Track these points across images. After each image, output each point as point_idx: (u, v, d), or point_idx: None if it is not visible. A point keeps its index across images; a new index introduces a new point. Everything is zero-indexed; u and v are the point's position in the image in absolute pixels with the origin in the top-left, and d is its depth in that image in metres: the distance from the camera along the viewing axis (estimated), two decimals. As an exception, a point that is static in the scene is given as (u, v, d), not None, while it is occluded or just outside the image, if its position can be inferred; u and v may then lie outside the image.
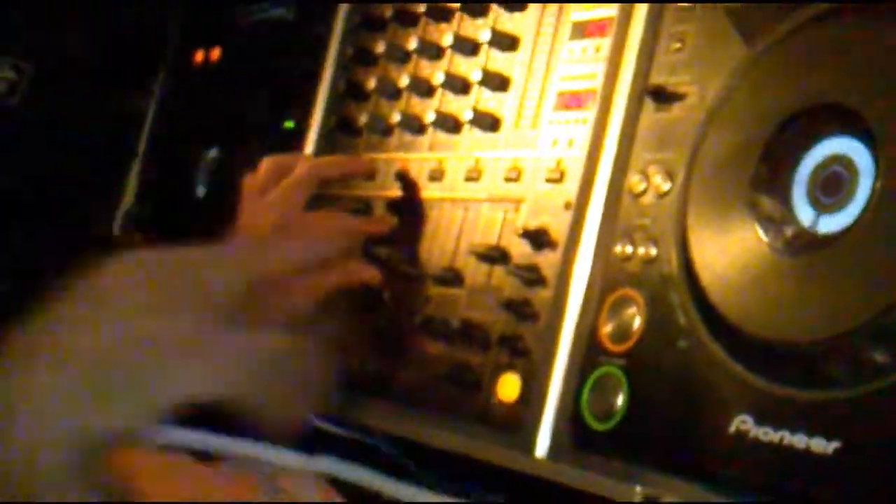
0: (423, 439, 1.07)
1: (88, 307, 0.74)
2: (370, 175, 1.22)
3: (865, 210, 0.82)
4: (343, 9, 1.34)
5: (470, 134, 1.15)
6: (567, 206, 1.03)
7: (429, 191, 1.17)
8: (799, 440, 0.82)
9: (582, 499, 0.94)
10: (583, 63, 1.06)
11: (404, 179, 1.19)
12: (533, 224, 1.05)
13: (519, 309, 1.03)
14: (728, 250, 0.89)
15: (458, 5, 1.18)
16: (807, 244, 0.86)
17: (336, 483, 0.88)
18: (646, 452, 0.91)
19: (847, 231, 0.83)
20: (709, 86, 0.95)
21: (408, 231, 1.17)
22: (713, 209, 0.91)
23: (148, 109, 1.62)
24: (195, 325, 0.74)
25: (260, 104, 1.43)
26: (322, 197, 1.21)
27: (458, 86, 1.16)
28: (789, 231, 0.88)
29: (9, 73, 1.58)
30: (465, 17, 1.18)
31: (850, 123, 0.85)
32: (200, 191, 1.49)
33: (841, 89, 0.86)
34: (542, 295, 1.02)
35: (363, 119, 1.26)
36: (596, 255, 0.99)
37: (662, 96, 0.98)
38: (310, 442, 0.94)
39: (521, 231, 1.04)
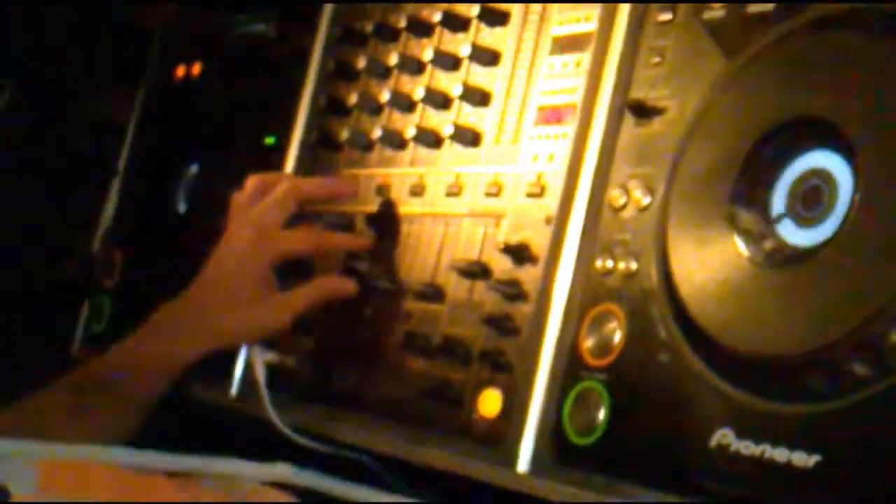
0: (404, 455, 1.07)
1: None
2: (354, 196, 1.22)
3: (844, 223, 0.83)
4: (324, 24, 1.34)
5: (451, 149, 1.14)
6: (548, 220, 1.02)
7: (409, 206, 1.17)
8: (780, 454, 0.82)
9: (564, 513, 0.94)
10: (563, 77, 1.06)
11: (383, 196, 1.19)
12: (514, 239, 1.04)
13: (500, 324, 1.03)
14: (708, 264, 0.89)
15: (438, 20, 1.18)
16: (786, 258, 0.86)
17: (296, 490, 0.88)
18: (627, 467, 0.91)
19: (826, 244, 0.83)
20: (688, 100, 0.95)
21: (387, 246, 1.17)
22: (693, 223, 0.91)
23: (129, 125, 1.61)
24: None
25: (241, 120, 1.43)
26: (304, 214, 1.21)
27: (439, 101, 1.16)
28: (769, 244, 0.88)
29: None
30: (446, 31, 1.18)
31: (829, 137, 0.85)
32: (181, 207, 1.49)
33: (820, 103, 0.86)
34: (524, 310, 1.02)
35: (344, 134, 1.26)
36: (576, 270, 0.99)
37: (642, 111, 0.98)
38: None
39: (501, 246, 1.04)
